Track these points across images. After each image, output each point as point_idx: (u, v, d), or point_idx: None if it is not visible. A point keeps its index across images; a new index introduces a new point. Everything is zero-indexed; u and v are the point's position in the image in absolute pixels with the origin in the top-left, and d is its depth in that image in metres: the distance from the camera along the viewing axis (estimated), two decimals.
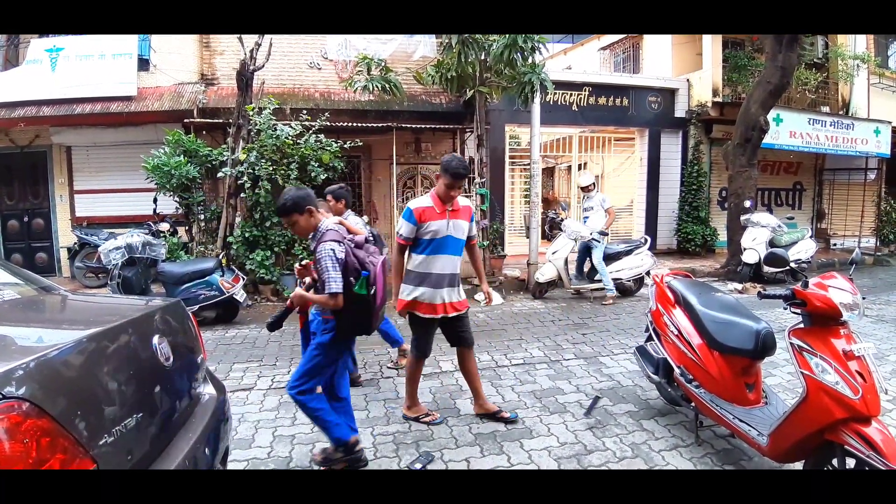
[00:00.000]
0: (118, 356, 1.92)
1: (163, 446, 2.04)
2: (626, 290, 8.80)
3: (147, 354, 2.08)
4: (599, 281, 8.38)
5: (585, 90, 12.27)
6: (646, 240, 9.12)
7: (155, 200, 9.32)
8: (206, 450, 2.24)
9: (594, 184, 8.98)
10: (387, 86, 8.92)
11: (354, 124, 9.66)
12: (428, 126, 10.22)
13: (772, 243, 9.67)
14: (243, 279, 7.71)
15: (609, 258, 8.51)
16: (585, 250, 8.70)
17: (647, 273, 8.60)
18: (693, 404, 3.63)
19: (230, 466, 3.25)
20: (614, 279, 8.37)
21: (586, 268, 8.83)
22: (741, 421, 3.18)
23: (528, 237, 10.06)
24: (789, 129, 11.89)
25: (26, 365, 1.51)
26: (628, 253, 8.72)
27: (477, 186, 9.43)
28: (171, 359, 2.20)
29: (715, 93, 12.69)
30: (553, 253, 8.60)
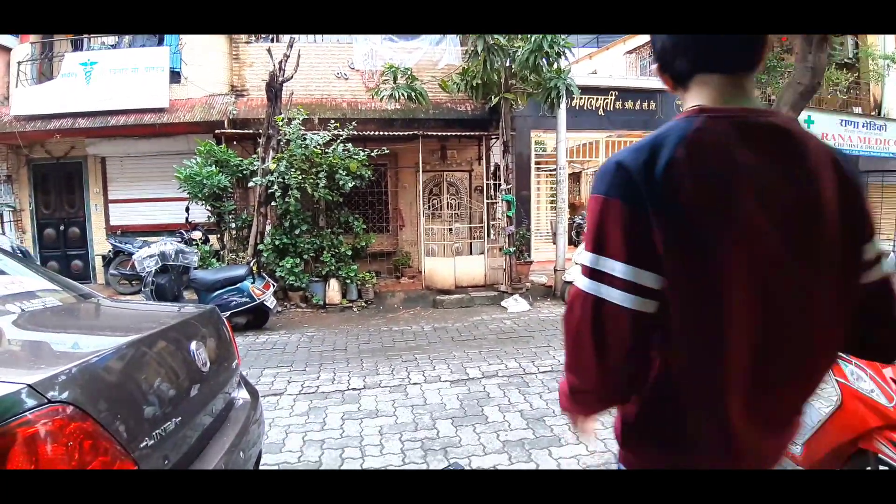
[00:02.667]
0: (157, 362, 1.98)
1: (200, 449, 2.08)
2: None
3: (185, 360, 2.13)
4: None
5: (612, 94, 12.16)
6: None
7: (187, 209, 9.55)
8: (241, 454, 2.29)
9: None
10: (412, 94, 8.98)
11: (381, 133, 9.75)
12: (453, 133, 10.26)
13: None
14: (273, 286, 7.83)
15: None
16: None
17: None
18: None
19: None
20: None
21: None
22: None
23: (554, 243, 10.02)
24: (821, 131, 11.63)
25: (69, 370, 1.55)
26: None
27: (502, 193, 9.43)
28: (208, 364, 2.24)
29: None
30: (579, 254, 8.65)
